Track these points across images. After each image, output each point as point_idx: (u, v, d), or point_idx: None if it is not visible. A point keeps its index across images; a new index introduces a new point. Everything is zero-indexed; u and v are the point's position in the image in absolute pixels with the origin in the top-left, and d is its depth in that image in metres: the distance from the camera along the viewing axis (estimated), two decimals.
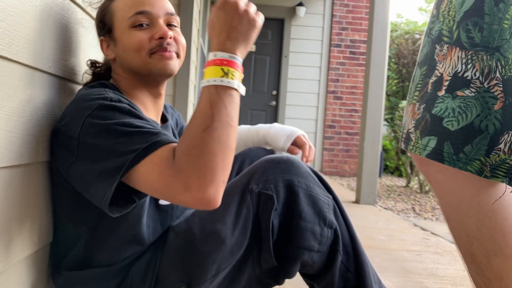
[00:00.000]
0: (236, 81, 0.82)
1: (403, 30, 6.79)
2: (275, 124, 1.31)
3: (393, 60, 6.64)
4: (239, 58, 0.83)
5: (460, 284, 1.82)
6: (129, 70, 1.00)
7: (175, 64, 1.00)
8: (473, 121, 0.68)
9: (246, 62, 6.63)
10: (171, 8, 1.03)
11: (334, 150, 6.68)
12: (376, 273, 1.12)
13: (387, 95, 6.28)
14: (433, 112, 0.75)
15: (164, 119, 1.14)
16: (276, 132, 1.28)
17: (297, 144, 1.27)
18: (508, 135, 0.66)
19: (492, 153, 0.67)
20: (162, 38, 0.97)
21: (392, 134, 6.46)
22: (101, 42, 1.05)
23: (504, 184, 0.76)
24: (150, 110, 1.04)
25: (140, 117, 0.87)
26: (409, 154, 0.88)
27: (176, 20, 1.03)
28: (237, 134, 0.84)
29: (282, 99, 6.59)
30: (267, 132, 1.29)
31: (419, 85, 0.81)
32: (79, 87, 1.18)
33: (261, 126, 1.32)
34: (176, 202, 0.80)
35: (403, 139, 0.84)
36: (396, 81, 7.03)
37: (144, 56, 0.97)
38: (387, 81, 6.49)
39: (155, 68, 0.97)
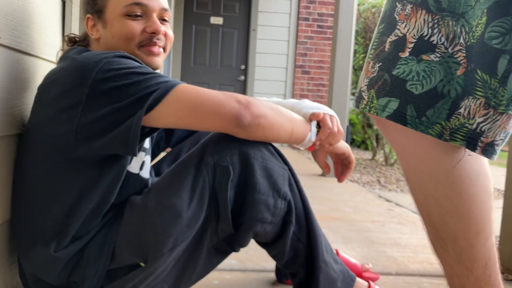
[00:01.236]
0: (305, 143, 1.07)
1: (370, 4, 6.81)
2: (305, 100, 1.20)
3: (360, 34, 6.68)
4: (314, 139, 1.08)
5: (421, 252, 1.89)
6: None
7: (161, 60, 1.04)
8: (436, 86, 0.69)
9: (213, 36, 6.54)
10: (166, 4, 1.06)
11: None
12: (329, 243, 1.15)
13: (354, 69, 6.33)
14: (394, 73, 0.74)
15: None
16: (301, 109, 1.12)
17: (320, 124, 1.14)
18: (468, 100, 0.67)
19: (453, 117, 0.68)
20: (154, 33, 1.00)
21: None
22: (87, 19, 1.04)
23: (463, 148, 0.78)
24: None
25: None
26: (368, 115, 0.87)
27: (168, 15, 1.06)
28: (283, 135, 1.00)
29: (251, 74, 6.55)
30: (293, 107, 1.15)
31: (375, 43, 0.79)
32: (35, 59, 1.14)
33: (289, 101, 1.19)
34: (217, 115, 0.90)
35: (355, 98, 0.84)
36: (363, 55, 7.07)
37: (133, 46, 0.99)
38: (354, 55, 6.53)
39: (142, 61, 0.98)
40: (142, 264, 0.95)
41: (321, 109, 1.10)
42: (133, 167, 1.02)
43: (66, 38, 1.09)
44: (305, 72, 6.68)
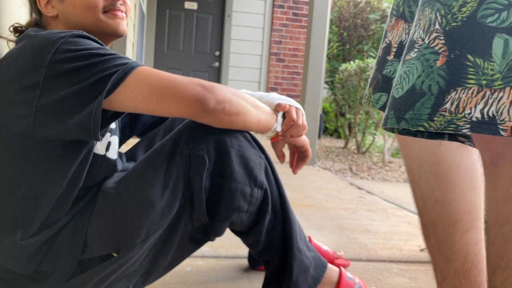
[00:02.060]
0: (269, 132, 1.05)
1: None
2: (273, 93, 1.20)
3: (334, 23, 6.70)
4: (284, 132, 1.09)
5: (391, 238, 1.93)
6: (76, 27, 0.96)
7: (125, 25, 1.00)
8: (414, 83, 0.62)
9: (188, 21, 6.45)
10: None
11: None
12: (303, 231, 1.16)
13: (328, 58, 6.36)
14: (383, 73, 0.85)
15: None
16: (268, 101, 1.14)
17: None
18: (456, 93, 0.58)
19: (437, 115, 0.59)
20: None
21: (332, 97, 6.59)
22: None
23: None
24: None
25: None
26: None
27: None
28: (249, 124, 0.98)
29: (225, 60, 6.50)
30: (261, 98, 1.16)
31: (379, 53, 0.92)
32: (3, 41, 1.09)
33: (257, 92, 1.20)
34: (180, 96, 0.86)
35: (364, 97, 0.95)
36: (337, 44, 7.12)
37: (97, 14, 0.95)
38: (329, 44, 6.56)
39: (107, 27, 0.96)
40: (115, 254, 0.93)
41: (288, 101, 1.11)
42: (99, 148, 0.99)
43: (11, 29, 1.02)
44: (280, 60, 6.67)
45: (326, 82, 7.13)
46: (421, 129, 0.61)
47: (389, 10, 6.61)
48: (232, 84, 6.47)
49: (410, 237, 1.97)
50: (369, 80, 0.94)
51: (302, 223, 1.99)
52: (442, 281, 0.96)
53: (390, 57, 0.85)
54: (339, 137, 7.14)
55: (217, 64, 6.58)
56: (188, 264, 1.43)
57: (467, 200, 0.92)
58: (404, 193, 3.06)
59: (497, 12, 0.55)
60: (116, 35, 0.99)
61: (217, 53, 6.57)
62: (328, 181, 3.34)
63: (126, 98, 0.84)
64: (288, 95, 6.72)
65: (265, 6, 6.56)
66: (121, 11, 0.99)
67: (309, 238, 1.45)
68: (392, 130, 0.72)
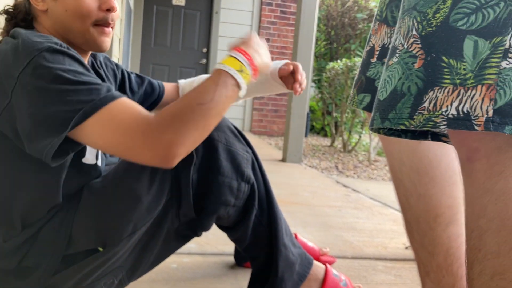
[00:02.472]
0: (245, 83, 0.87)
1: None
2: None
3: (322, 21, 6.72)
4: (254, 66, 0.90)
5: (376, 236, 1.94)
6: (62, 30, 0.93)
7: (110, 41, 0.97)
8: (396, 86, 0.66)
9: (175, 17, 6.41)
10: None
11: (264, 110, 6.74)
12: (289, 227, 1.16)
13: (316, 56, 6.38)
14: (367, 74, 0.90)
15: None
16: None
17: (286, 69, 1.16)
18: (433, 92, 0.62)
19: (416, 113, 0.63)
20: (109, 10, 0.93)
21: (319, 96, 6.61)
22: None
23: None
24: None
25: (88, 69, 0.83)
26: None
27: None
28: (217, 122, 0.87)
29: (213, 57, 6.48)
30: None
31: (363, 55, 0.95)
32: None
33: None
34: (134, 155, 0.79)
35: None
36: (324, 43, 7.14)
37: (88, 25, 0.91)
38: (316, 43, 6.58)
39: (92, 42, 0.93)
40: (101, 249, 0.92)
41: (278, 62, 1.15)
42: (89, 159, 0.97)
43: (2, 12, 0.97)
44: None
45: (313, 81, 7.15)
46: (402, 127, 0.64)
47: (376, 10, 6.66)
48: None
49: (395, 235, 1.98)
50: (354, 81, 0.97)
51: (288, 220, 2.00)
52: (425, 275, 0.98)
53: (374, 60, 0.90)
54: (325, 135, 7.17)
55: (204, 60, 6.55)
56: (174, 261, 1.43)
57: (448, 194, 0.95)
58: (389, 191, 3.09)
59: (466, 16, 0.60)
60: (98, 50, 0.95)
61: (204, 49, 6.55)
62: (315, 179, 3.35)
63: (86, 137, 0.79)
64: (277, 93, 6.72)
65: (253, 4, 6.55)
66: (111, 27, 0.95)
67: (295, 235, 1.45)
68: (378, 131, 0.74)
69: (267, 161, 3.90)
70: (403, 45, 0.67)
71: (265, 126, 6.76)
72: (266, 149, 4.76)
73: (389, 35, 0.88)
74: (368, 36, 0.95)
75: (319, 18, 6.98)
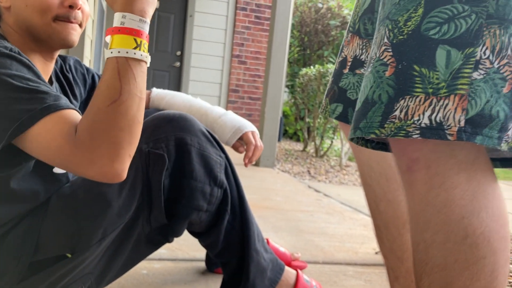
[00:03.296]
0: (147, 54, 0.77)
1: None
2: (228, 113, 1.23)
3: (296, 28, 6.77)
4: (148, 22, 0.77)
5: (347, 241, 1.96)
6: (25, 26, 0.90)
7: (77, 36, 0.94)
8: (367, 95, 0.66)
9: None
10: None
11: (237, 114, 6.72)
12: (261, 232, 1.17)
13: (289, 62, 6.43)
14: (340, 85, 0.91)
15: (53, 80, 1.04)
16: (225, 124, 1.21)
17: (243, 141, 1.20)
18: (405, 101, 0.61)
19: (387, 122, 0.62)
20: (72, 7, 0.90)
21: (292, 101, 6.66)
22: None
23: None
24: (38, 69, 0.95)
25: (38, 76, 0.79)
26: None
27: None
28: (144, 104, 0.78)
29: (187, 61, 6.45)
30: (216, 120, 1.21)
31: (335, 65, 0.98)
32: None
33: (213, 110, 1.23)
34: (78, 174, 0.74)
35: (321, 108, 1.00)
36: (298, 49, 7.20)
37: (48, 19, 0.89)
38: (290, 49, 6.63)
39: (56, 35, 0.90)
40: (69, 255, 0.90)
41: (242, 124, 1.18)
42: (59, 169, 0.95)
43: None
44: (242, 62, 6.68)
45: (287, 86, 7.20)
46: (373, 136, 0.63)
47: (349, 17, 6.76)
48: (193, 85, 6.43)
49: (365, 240, 2.01)
50: (326, 91, 0.98)
51: (261, 225, 2.00)
52: (394, 280, 0.99)
53: (346, 71, 0.91)
54: (298, 140, 7.22)
55: (178, 63, 6.51)
56: (144, 267, 1.41)
57: None
58: (360, 196, 3.13)
59: (438, 25, 0.60)
60: (64, 44, 0.92)
61: (178, 52, 6.51)
62: (287, 183, 3.37)
63: (29, 147, 0.75)
64: (250, 98, 6.74)
65: (228, 8, 6.56)
66: (75, 22, 0.92)
67: (267, 240, 1.45)
68: (357, 142, 0.74)
69: (240, 165, 3.90)
70: (376, 54, 0.67)
71: None
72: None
73: (361, 46, 0.89)
74: (341, 47, 0.97)
75: (293, 24, 7.04)
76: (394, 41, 0.63)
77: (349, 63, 0.91)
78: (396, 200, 0.97)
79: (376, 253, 1.81)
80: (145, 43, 0.76)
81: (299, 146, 6.53)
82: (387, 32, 0.64)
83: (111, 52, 0.74)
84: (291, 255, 1.51)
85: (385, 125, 0.62)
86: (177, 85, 6.49)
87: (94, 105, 0.73)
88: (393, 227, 0.98)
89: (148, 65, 0.78)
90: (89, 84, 1.15)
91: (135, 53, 0.74)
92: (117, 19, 0.76)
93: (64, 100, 0.76)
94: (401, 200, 0.97)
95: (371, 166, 0.99)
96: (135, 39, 0.75)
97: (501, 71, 0.59)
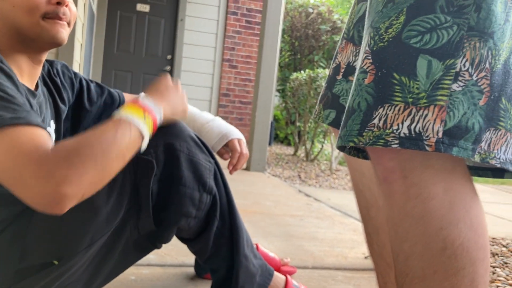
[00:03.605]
0: (149, 133, 0.83)
1: (297, 3, 6.96)
2: (216, 119, 1.23)
3: (286, 32, 6.80)
4: (161, 115, 0.88)
5: (336, 246, 1.97)
6: (13, 28, 0.90)
7: (66, 34, 0.93)
8: (349, 103, 0.66)
9: (139, 23, 6.34)
10: None
11: (228, 118, 6.73)
12: (250, 238, 1.16)
13: (280, 66, 6.44)
14: (333, 91, 0.92)
15: (40, 86, 1.03)
16: (211, 129, 1.21)
17: (229, 148, 1.20)
18: (384, 109, 0.60)
19: (366, 130, 0.61)
20: (60, 3, 0.90)
21: (283, 105, 6.67)
22: None
23: None
24: (25, 75, 0.94)
25: (17, 87, 0.79)
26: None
27: None
28: (119, 170, 0.80)
29: (177, 65, 6.43)
30: (203, 125, 1.22)
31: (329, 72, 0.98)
32: None
33: (201, 116, 1.23)
34: (16, 189, 0.71)
35: (314, 113, 1.00)
36: (288, 53, 7.22)
37: (37, 18, 0.88)
38: (280, 53, 6.64)
39: (46, 33, 0.89)
40: (56, 262, 0.89)
41: (230, 131, 1.18)
42: None
43: None
44: (233, 67, 6.68)
45: (278, 90, 7.21)
46: (352, 144, 0.63)
47: (339, 22, 6.81)
48: (184, 89, 6.40)
49: (355, 245, 2.02)
50: (319, 97, 0.98)
51: (250, 230, 2.00)
52: (383, 286, 1.00)
53: (339, 77, 0.91)
54: (289, 144, 7.23)
55: (168, 67, 6.50)
56: (132, 273, 1.40)
57: None
58: (350, 200, 3.14)
59: (420, 34, 0.59)
60: (53, 43, 0.92)
61: (169, 56, 6.49)
62: (277, 188, 3.37)
63: None
64: (240, 102, 6.74)
65: (219, 13, 6.56)
66: (63, 19, 0.92)
67: (256, 245, 1.45)
68: (349, 153, 0.74)
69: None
70: (359, 63, 0.67)
71: None
72: None
73: (354, 53, 0.90)
74: (335, 53, 0.97)
75: (283, 29, 7.06)
76: (375, 48, 0.63)
77: (342, 70, 0.91)
78: None
79: (366, 258, 1.82)
80: (150, 122, 0.84)
81: (289, 150, 6.54)
82: (369, 39, 0.64)
83: (120, 114, 0.81)
84: (281, 260, 1.51)
85: (364, 134, 0.61)
86: None
87: (85, 135, 0.76)
88: (383, 233, 0.98)
89: (144, 144, 0.83)
90: (77, 89, 1.14)
91: (139, 123, 0.81)
92: (140, 97, 0.88)
93: (35, 117, 0.76)
94: None
95: (363, 172, 0.99)
96: (144, 113, 0.83)
97: (479, 84, 0.59)
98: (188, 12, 6.43)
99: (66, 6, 0.92)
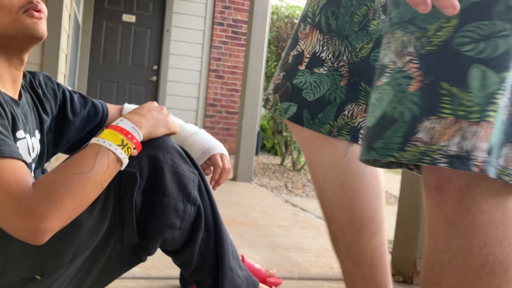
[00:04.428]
0: (127, 158, 0.87)
1: (283, 14, 7.02)
2: (200, 132, 1.23)
3: (273, 43, 6.84)
4: (140, 135, 0.90)
5: (322, 256, 1.97)
6: None
7: (45, 27, 0.93)
8: (324, 94, 0.77)
9: (125, 33, 6.33)
10: None
11: (215, 128, 6.73)
12: (236, 249, 1.16)
13: (266, 76, 6.47)
14: (294, 82, 0.86)
15: (22, 95, 1.02)
16: (194, 143, 1.20)
17: (211, 162, 1.20)
18: (352, 105, 0.77)
19: (339, 117, 0.77)
20: None
21: (270, 114, 6.69)
22: None
23: (348, 143, 0.90)
24: (7, 83, 0.93)
25: (3, 118, 0.80)
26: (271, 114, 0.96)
27: None
28: (97, 196, 0.85)
29: (163, 75, 6.43)
30: (186, 138, 1.21)
31: (283, 55, 0.93)
32: None
33: (185, 128, 1.23)
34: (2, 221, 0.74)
35: (264, 99, 0.95)
36: (275, 63, 7.25)
37: (14, 13, 0.88)
38: (267, 63, 6.68)
39: (25, 28, 0.89)
40: (38, 278, 0.88)
41: (213, 145, 1.18)
42: None
43: None
44: (219, 77, 6.70)
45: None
46: (391, 159, 0.57)
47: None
48: (170, 99, 6.41)
49: None
50: (273, 84, 0.91)
51: (236, 241, 1.99)
52: (351, 284, 1.00)
53: (302, 67, 0.85)
54: (276, 154, 7.25)
55: (154, 78, 6.49)
56: (117, 286, 1.39)
57: (371, 206, 0.96)
58: None
59: (474, 41, 0.53)
60: (34, 36, 0.92)
61: (155, 67, 6.49)
62: (264, 198, 3.37)
63: None
64: (227, 112, 6.75)
65: (205, 23, 6.59)
66: (39, 11, 0.92)
67: (242, 257, 1.45)
68: (374, 163, 0.66)
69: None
70: (395, 63, 0.58)
71: None
72: None
73: (321, 43, 0.83)
74: (294, 37, 0.89)
75: (269, 40, 7.11)
76: (422, 52, 0.55)
77: (306, 59, 0.85)
78: (352, 207, 0.96)
79: None
80: (129, 147, 0.87)
81: (276, 160, 6.56)
82: (414, 40, 0.56)
83: (97, 140, 0.84)
84: (267, 271, 1.51)
85: (407, 148, 0.55)
86: (153, 100, 6.46)
87: (64, 168, 0.79)
88: (348, 233, 0.97)
89: (123, 168, 0.88)
90: (60, 100, 1.13)
91: (116, 149, 0.84)
92: (116, 121, 0.89)
93: (17, 149, 0.78)
94: (357, 207, 0.95)
95: (326, 172, 0.97)
96: (122, 139, 0.86)
97: None
98: (174, 22, 6.45)
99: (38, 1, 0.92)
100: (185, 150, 1.05)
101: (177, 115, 6.14)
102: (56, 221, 0.75)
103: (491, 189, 0.57)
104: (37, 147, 1.00)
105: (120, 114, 1.26)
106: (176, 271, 1.53)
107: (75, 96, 1.17)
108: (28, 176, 0.77)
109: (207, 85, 6.64)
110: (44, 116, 1.06)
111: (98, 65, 6.28)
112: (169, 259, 1.13)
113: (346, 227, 0.97)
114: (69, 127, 1.15)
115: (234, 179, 4.01)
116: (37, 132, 1.02)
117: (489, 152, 0.53)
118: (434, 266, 0.62)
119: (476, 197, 0.57)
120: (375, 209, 0.96)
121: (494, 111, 0.52)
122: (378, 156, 0.58)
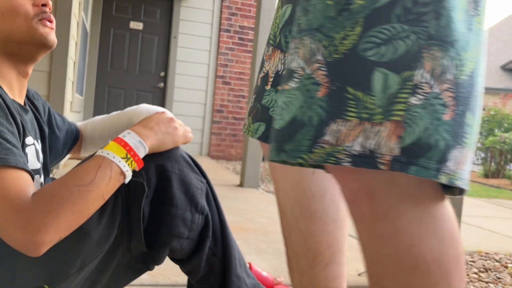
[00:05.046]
0: (131, 171, 0.88)
1: None
2: (142, 105, 1.21)
3: None
4: (146, 149, 0.91)
5: None
6: (5, 35, 0.91)
7: (54, 36, 0.96)
8: (296, 114, 0.60)
9: (132, 41, 6.38)
10: None
11: (222, 134, 6.74)
12: (243, 256, 1.16)
13: None
14: (262, 102, 0.87)
15: (27, 104, 1.04)
16: (141, 112, 1.15)
17: None
18: (336, 124, 0.56)
19: (316, 147, 0.57)
20: (45, 5, 0.93)
21: None
22: None
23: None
24: (16, 91, 0.95)
25: (6, 117, 0.80)
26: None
27: None
28: (97, 209, 0.84)
29: (171, 81, 6.46)
30: (133, 111, 1.19)
31: (255, 80, 0.93)
32: None
33: (128, 108, 1.23)
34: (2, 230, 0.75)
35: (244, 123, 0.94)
36: None
37: (29, 21, 0.91)
38: None
39: (39, 35, 0.91)
40: (46, 287, 0.89)
41: (159, 108, 1.12)
42: None
43: None
44: (226, 83, 6.72)
45: None
46: (300, 161, 0.59)
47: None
48: (177, 106, 6.43)
49: (348, 261, 2.01)
50: (248, 109, 0.92)
51: (244, 248, 1.99)
52: None
53: (268, 87, 0.86)
54: None
55: (162, 84, 6.52)
56: None
57: (328, 232, 0.92)
58: None
59: (376, 46, 0.55)
60: (46, 44, 0.94)
61: (162, 73, 6.52)
62: (271, 204, 3.37)
63: None
64: (234, 118, 6.76)
65: (212, 30, 6.62)
66: (51, 21, 0.95)
67: (250, 264, 1.45)
68: (278, 162, 0.67)
69: (224, 186, 3.89)
70: (304, 70, 0.60)
71: (223, 151, 6.76)
72: (223, 174, 4.75)
73: (282, 61, 0.83)
74: (261, 61, 0.90)
75: None
76: (329, 60, 0.57)
77: (271, 79, 0.85)
78: (308, 230, 0.92)
79: (359, 274, 1.82)
80: (132, 161, 0.87)
81: None
82: (322, 48, 0.58)
83: (102, 152, 0.84)
84: (274, 279, 1.50)
85: (314, 150, 0.57)
86: (161, 106, 6.49)
87: (64, 179, 0.79)
88: (303, 259, 0.94)
89: (126, 181, 0.88)
90: (47, 114, 1.15)
91: (120, 162, 0.85)
92: (123, 133, 0.90)
93: (22, 158, 0.78)
94: (313, 231, 0.92)
95: (287, 191, 0.94)
96: (126, 153, 0.87)
97: (441, 97, 0.54)
98: (181, 29, 6.48)
99: (50, 8, 0.95)
100: (193, 158, 1.06)
101: (184, 121, 6.16)
102: (53, 233, 0.75)
103: (405, 191, 0.57)
104: (40, 156, 1.02)
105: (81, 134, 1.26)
106: (183, 278, 1.53)
107: (56, 114, 1.19)
108: (29, 187, 0.77)
109: (214, 91, 6.66)
110: (44, 126, 1.07)
111: (105, 72, 6.33)
112: (176, 267, 1.13)
113: (301, 252, 0.93)
114: (57, 142, 1.17)
115: (241, 185, 4.01)
116: (39, 140, 1.03)
117: (408, 151, 0.53)
118: (373, 277, 0.62)
119: (391, 202, 0.57)
120: (332, 236, 0.92)
121: (402, 110, 0.54)
122: (288, 158, 0.60)
